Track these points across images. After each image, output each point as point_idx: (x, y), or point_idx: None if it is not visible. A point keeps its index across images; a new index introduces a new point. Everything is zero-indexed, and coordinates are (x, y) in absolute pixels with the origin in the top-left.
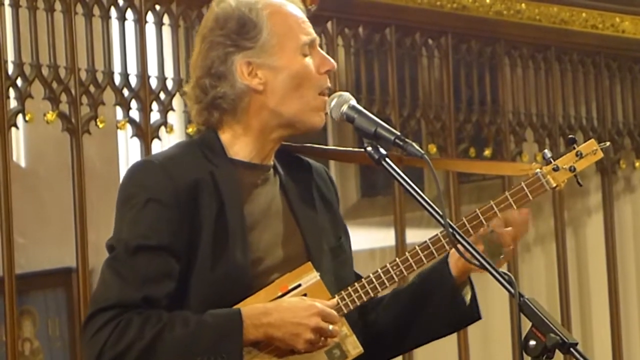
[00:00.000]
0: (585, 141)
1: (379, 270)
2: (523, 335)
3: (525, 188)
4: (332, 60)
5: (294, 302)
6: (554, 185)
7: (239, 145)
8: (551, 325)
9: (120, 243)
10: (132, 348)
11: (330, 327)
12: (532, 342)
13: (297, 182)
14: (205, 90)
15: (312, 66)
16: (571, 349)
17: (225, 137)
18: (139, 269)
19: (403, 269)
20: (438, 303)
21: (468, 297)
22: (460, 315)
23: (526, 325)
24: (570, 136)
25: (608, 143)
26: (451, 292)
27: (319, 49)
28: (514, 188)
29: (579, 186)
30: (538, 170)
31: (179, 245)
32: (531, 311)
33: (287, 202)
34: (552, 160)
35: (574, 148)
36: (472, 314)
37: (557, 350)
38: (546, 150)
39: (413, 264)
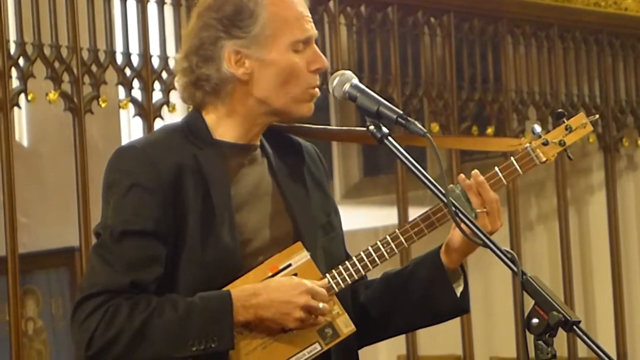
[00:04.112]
0: None
1: (369, 247)
2: (526, 313)
3: (515, 163)
4: (324, 58)
5: (283, 281)
6: (544, 159)
7: (224, 126)
8: (554, 303)
9: (106, 229)
10: (122, 334)
11: (321, 304)
12: (535, 320)
13: (286, 161)
14: (192, 67)
15: (302, 63)
16: (574, 327)
17: (209, 118)
18: (125, 254)
19: (394, 246)
20: (427, 293)
21: (459, 290)
22: (448, 307)
23: (529, 303)
24: (559, 110)
25: (597, 116)
26: (442, 283)
27: (314, 46)
28: (504, 163)
29: (569, 160)
30: (528, 144)
31: (164, 229)
32: (534, 289)
33: (276, 182)
34: (541, 135)
35: (563, 122)
36: (460, 306)
37: (559, 328)
38: (535, 125)
39: (404, 241)
